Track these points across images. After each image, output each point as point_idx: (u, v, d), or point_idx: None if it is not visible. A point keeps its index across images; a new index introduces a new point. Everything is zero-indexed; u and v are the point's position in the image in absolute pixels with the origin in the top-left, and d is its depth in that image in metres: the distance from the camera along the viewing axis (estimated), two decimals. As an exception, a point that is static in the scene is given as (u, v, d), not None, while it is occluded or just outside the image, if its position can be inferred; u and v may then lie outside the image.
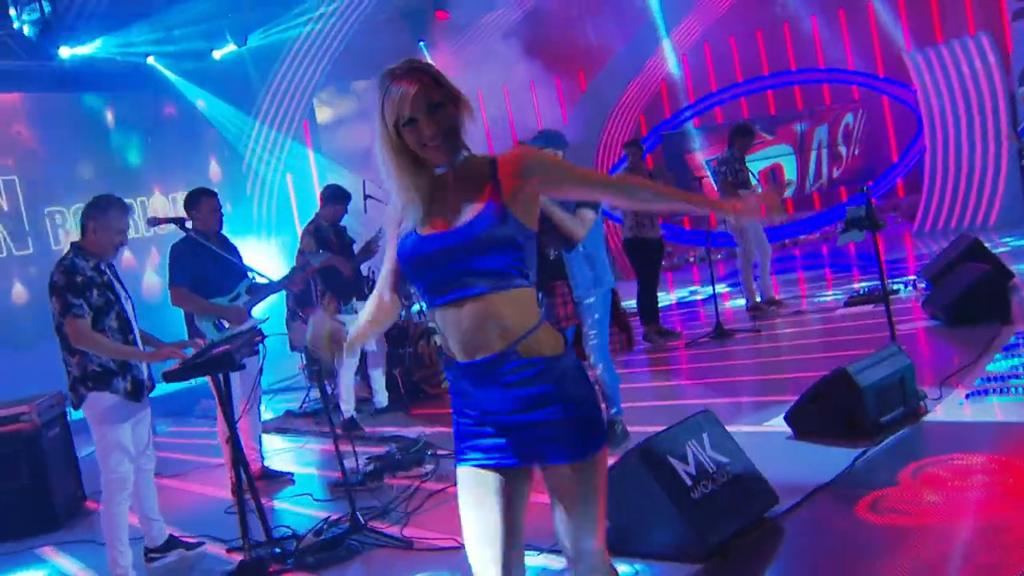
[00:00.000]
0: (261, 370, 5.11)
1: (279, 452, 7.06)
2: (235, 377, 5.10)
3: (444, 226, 2.28)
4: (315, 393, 8.43)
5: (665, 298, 8.97)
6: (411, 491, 5.32)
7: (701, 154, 15.21)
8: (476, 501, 2.37)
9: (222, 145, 12.80)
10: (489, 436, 2.35)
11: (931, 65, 12.95)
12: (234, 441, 4.62)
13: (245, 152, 12.94)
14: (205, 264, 5.78)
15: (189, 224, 5.66)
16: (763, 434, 5.25)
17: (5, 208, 10.10)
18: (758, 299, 9.29)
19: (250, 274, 5.89)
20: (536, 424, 2.28)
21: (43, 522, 5.91)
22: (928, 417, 5.00)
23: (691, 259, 15.89)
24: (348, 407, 7.24)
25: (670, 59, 15.58)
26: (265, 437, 7.24)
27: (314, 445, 7.19)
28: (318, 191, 14.08)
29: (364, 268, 7.81)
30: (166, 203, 11.98)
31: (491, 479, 2.36)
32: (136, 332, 4.65)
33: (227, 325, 5.80)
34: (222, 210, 6.06)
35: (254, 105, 12.91)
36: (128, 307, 4.66)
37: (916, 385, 5.12)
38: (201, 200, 5.99)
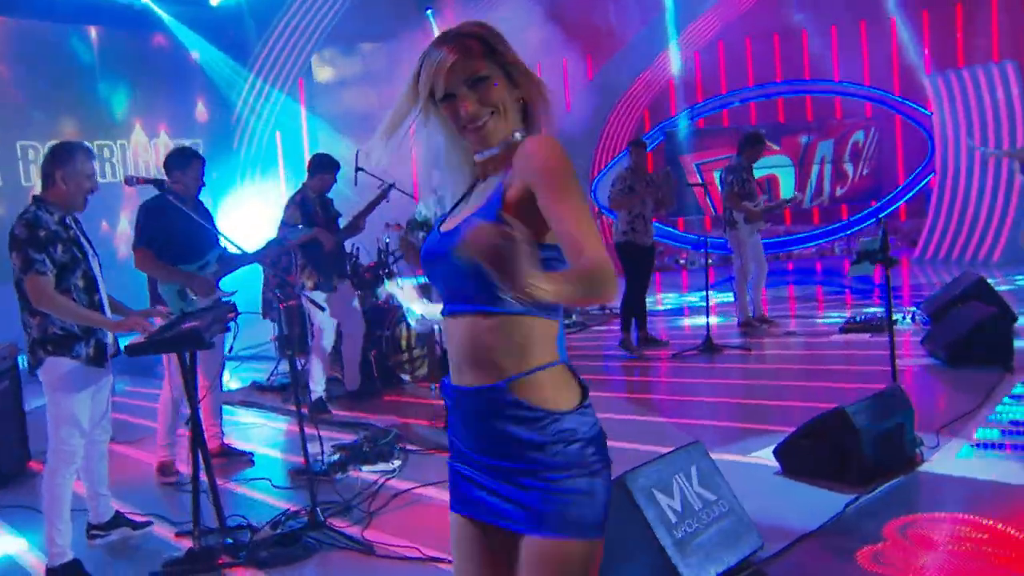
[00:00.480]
0: (231, 349, 4.81)
1: (241, 427, 6.76)
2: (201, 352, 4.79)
3: (456, 219, 1.97)
4: (284, 366, 8.15)
5: (650, 302, 8.69)
6: (376, 488, 5.05)
7: (690, 157, 14.98)
8: (458, 553, 2.05)
9: (211, 91, 12.43)
10: (468, 481, 1.99)
11: (951, 89, 12.70)
12: (194, 422, 4.32)
13: (237, 102, 12.57)
14: (175, 228, 5.42)
15: (167, 186, 5.29)
16: (750, 466, 5.00)
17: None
18: (750, 315, 9.04)
19: (223, 243, 5.55)
20: (513, 477, 1.88)
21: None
22: (924, 467, 4.77)
23: (681, 262, 15.64)
24: (318, 387, 6.95)
25: (674, 61, 15.25)
26: (228, 410, 6.97)
27: (279, 423, 6.90)
28: (307, 152, 14.01)
29: (348, 245, 7.50)
30: (146, 143, 11.63)
31: (471, 531, 2.01)
32: (103, 293, 4.33)
33: (191, 295, 5.49)
34: (205, 177, 5.71)
35: (250, 56, 12.56)
36: (95, 265, 4.34)
37: (914, 431, 4.89)
38: (189, 163, 5.61)
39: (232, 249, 5.43)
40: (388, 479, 5.21)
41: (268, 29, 12.65)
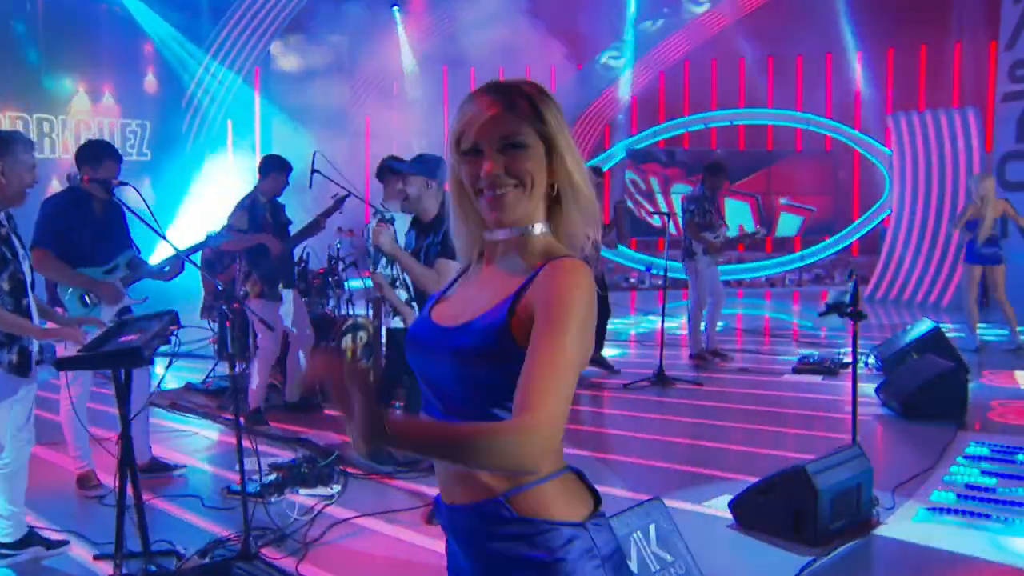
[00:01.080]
0: (171, 363, 4.50)
1: (172, 436, 6.41)
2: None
3: (452, 314, 1.70)
4: (222, 368, 7.81)
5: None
6: (314, 515, 4.80)
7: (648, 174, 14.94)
8: None
9: (163, 68, 12.03)
10: None
11: (912, 130, 12.76)
12: (125, 439, 4.02)
13: (190, 83, 12.17)
14: (81, 226, 5.02)
15: (116, 183, 4.89)
16: (703, 517, 4.85)
17: None
18: (703, 348, 8.93)
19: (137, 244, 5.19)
20: None
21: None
22: (880, 530, 4.68)
23: (631, 280, 15.54)
24: (258, 395, 6.65)
25: (624, 90, 15.16)
26: (158, 412, 6.64)
27: (212, 432, 6.57)
28: (259, 142, 13.66)
29: (298, 250, 7.21)
30: (88, 106, 11.21)
31: None
32: (31, 298, 4.03)
33: (89, 301, 5.10)
34: (120, 174, 5.22)
35: (205, 39, 12.17)
36: (26, 267, 4.02)
37: (872, 492, 4.78)
38: (102, 161, 5.10)
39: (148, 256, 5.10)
40: (326, 505, 4.97)
41: (227, 11, 12.28)
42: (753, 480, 4.91)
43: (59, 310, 5.03)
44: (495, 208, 1.63)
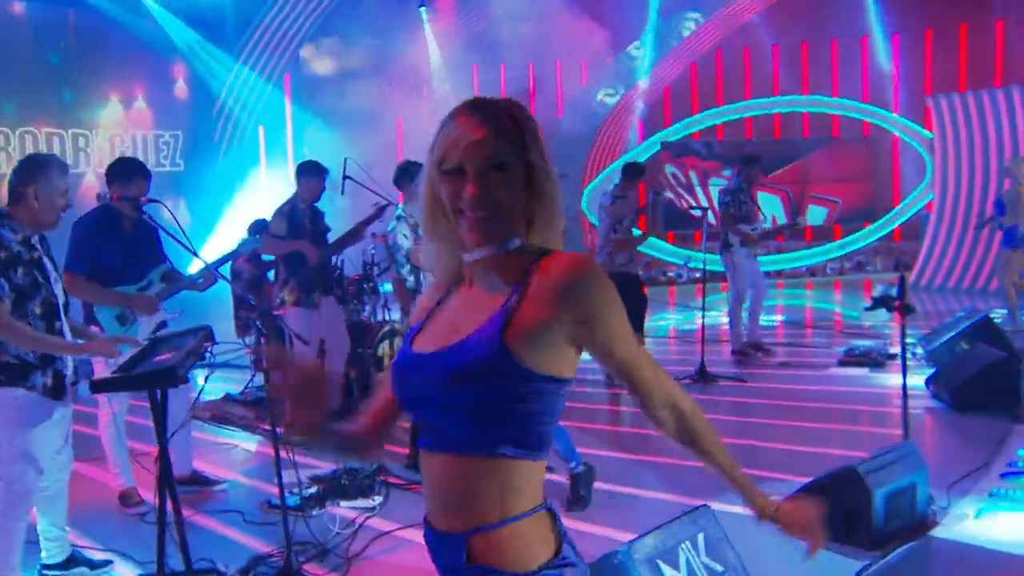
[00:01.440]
0: (206, 379, 4.47)
1: (212, 448, 6.37)
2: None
3: (437, 340, 1.69)
4: (260, 379, 7.79)
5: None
6: (355, 529, 4.74)
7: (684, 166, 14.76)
8: None
9: (192, 75, 12.08)
10: None
11: (954, 112, 12.44)
12: (163, 460, 3.98)
13: (220, 91, 12.20)
14: (112, 246, 4.99)
15: (144, 200, 4.87)
16: (752, 520, 4.70)
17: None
18: (744, 342, 8.77)
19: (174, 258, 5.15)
20: None
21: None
22: (936, 531, 4.52)
23: (670, 275, 15.36)
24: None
25: (643, 80, 14.96)
26: (198, 426, 6.61)
27: (252, 444, 6.54)
28: (291, 148, 13.68)
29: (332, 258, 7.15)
30: (121, 118, 11.27)
31: None
32: (64, 321, 4.00)
33: (132, 318, 5.08)
34: (149, 192, 5.18)
35: (235, 46, 12.20)
36: (58, 290, 4.00)
37: (928, 491, 4.63)
38: (132, 179, 5.06)
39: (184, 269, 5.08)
40: (368, 518, 4.91)
41: (255, 20, 12.29)
42: (802, 480, 4.78)
43: (96, 330, 5.04)
44: (475, 230, 1.63)
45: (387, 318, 8.26)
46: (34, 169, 3.92)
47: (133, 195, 4.96)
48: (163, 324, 5.26)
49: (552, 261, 1.63)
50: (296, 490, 5.02)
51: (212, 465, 5.93)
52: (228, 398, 7.68)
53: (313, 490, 5.18)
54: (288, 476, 5.62)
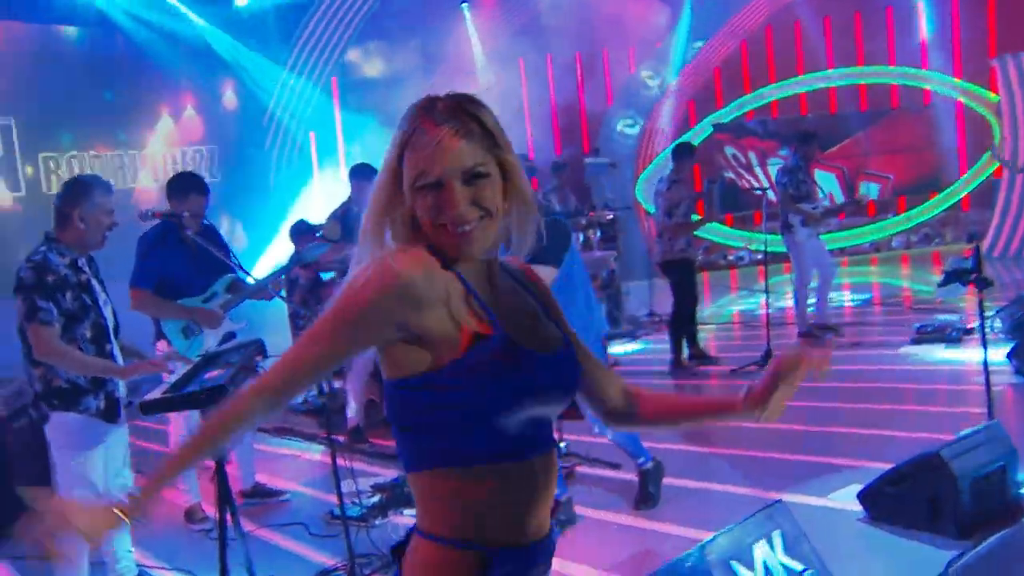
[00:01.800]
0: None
1: (274, 459, 6.33)
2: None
3: (539, 341, 1.67)
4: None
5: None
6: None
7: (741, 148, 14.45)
8: None
9: (240, 87, 12.16)
10: None
11: (1021, 72, 11.91)
12: (220, 478, 3.92)
13: (269, 102, 12.24)
14: (177, 261, 4.99)
15: (185, 216, 4.86)
16: (830, 512, 4.52)
17: None
18: (811, 324, 8.50)
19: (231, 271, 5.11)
20: None
21: (4, 525, 5.26)
22: (1031, 516, 4.26)
23: (730, 258, 15.04)
24: (355, 412, 6.54)
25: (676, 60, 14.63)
26: (260, 437, 6.59)
27: (314, 455, 6.48)
28: (342, 152, 13.68)
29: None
30: (172, 128, 11.39)
31: None
32: (114, 344, 3.96)
33: (197, 331, 5.07)
34: (207, 207, 5.20)
35: (280, 55, 12.25)
36: (108, 313, 3.96)
37: (1018, 475, 4.37)
38: (189, 195, 5.07)
39: (246, 276, 5.04)
40: (432, 526, 4.80)
41: (298, 28, 12.33)
42: (881, 467, 4.57)
43: (163, 343, 5.07)
44: (464, 243, 1.56)
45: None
46: (78, 191, 3.89)
47: (191, 210, 5.00)
48: (231, 335, 5.27)
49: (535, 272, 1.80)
50: (358, 500, 4.94)
51: (274, 476, 5.90)
52: (289, 408, 7.65)
53: (375, 499, 5.11)
54: (349, 486, 5.59)
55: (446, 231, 1.55)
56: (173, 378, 3.95)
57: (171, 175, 5.45)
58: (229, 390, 3.63)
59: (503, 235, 1.63)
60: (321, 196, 12.76)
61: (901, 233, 15.06)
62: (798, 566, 3.44)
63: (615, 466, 5.39)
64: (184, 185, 5.15)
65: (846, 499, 4.57)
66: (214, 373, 3.83)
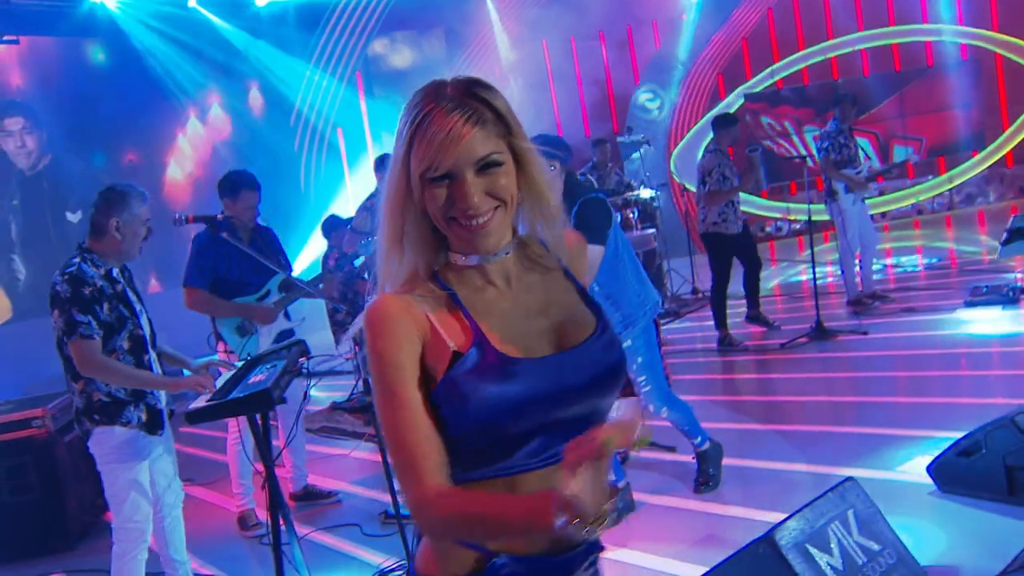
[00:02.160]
0: (306, 395, 4.33)
1: (322, 460, 6.24)
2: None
3: (549, 341, 1.54)
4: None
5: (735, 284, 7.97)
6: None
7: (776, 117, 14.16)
8: None
9: (268, 90, 12.11)
10: None
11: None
12: (271, 483, 3.84)
13: (295, 100, 12.18)
14: (230, 261, 4.96)
15: (222, 216, 4.80)
16: (900, 486, 4.35)
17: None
18: (859, 292, 8.28)
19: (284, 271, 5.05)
20: None
21: (57, 540, 5.29)
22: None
23: (768, 229, 14.77)
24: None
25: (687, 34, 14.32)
26: (308, 438, 6.51)
27: (362, 452, 6.39)
28: (371, 147, 13.61)
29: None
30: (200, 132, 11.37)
31: None
32: (152, 355, 3.89)
33: (252, 328, 5.03)
34: (260, 204, 5.20)
35: (303, 54, 12.18)
36: (145, 323, 3.89)
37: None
38: (240, 191, 5.08)
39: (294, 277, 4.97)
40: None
41: (320, 24, 12.24)
42: (946, 436, 4.42)
43: (222, 344, 5.05)
44: (479, 237, 1.47)
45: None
46: (114, 200, 3.82)
47: (242, 208, 5.02)
48: (289, 332, 5.23)
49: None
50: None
51: (324, 477, 5.83)
52: (335, 406, 7.58)
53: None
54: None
55: (459, 225, 1.46)
56: (219, 382, 3.88)
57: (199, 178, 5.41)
58: (273, 394, 3.55)
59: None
60: (353, 191, 12.71)
61: (943, 194, 14.70)
62: (875, 546, 3.29)
63: (670, 449, 5.26)
64: (235, 182, 5.14)
65: (914, 472, 4.40)
66: (258, 377, 3.75)
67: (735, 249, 7.75)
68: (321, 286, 5.29)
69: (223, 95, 11.85)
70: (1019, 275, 8.05)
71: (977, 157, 14.58)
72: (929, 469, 4.26)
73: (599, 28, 14.41)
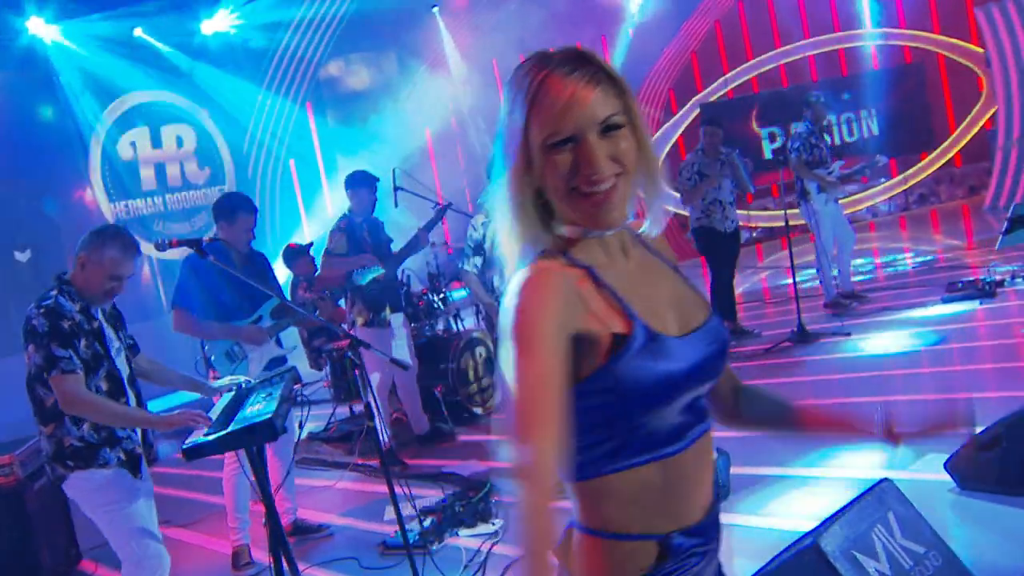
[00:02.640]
0: (301, 425, 4.11)
1: (307, 492, 5.96)
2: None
3: (682, 319, 1.51)
4: (342, 410, 7.42)
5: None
6: (484, 558, 4.35)
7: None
8: None
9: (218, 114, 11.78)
10: None
11: (1009, 20, 11.70)
12: (272, 518, 3.61)
13: (247, 127, 11.88)
14: (220, 284, 4.76)
15: (209, 239, 4.57)
16: (917, 485, 4.21)
17: None
18: (836, 293, 8.26)
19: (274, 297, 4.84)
20: None
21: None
22: None
23: (755, 234, 14.74)
24: (384, 434, 6.19)
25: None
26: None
27: (347, 483, 6.13)
28: (324, 176, 13.33)
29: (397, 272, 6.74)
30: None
31: None
32: (130, 395, 3.62)
33: (241, 353, 4.83)
34: (255, 227, 5.03)
35: (253, 82, 11.90)
36: (121, 363, 3.62)
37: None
38: (237, 215, 4.94)
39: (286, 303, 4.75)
40: (494, 544, 4.50)
41: (268, 53, 11.99)
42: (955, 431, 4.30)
43: (211, 373, 4.86)
44: (604, 209, 1.40)
45: (461, 327, 7.87)
46: (92, 239, 3.57)
47: (236, 232, 4.91)
48: (281, 359, 5.07)
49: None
50: (409, 526, 4.63)
51: (311, 510, 5.56)
52: (312, 436, 7.27)
53: (428, 523, 4.79)
54: (391, 512, 5.27)
55: (582, 196, 1.39)
56: (211, 414, 3.65)
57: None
58: (277, 425, 3.33)
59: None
60: (308, 219, 12.46)
61: (898, 196, 14.87)
62: (919, 548, 3.16)
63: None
64: (232, 206, 5.01)
65: (929, 470, 4.30)
66: (255, 407, 3.53)
67: (727, 246, 7.73)
68: (315, 315, 5.07)
69: (172, 123, 11.52)
70: (988, 270, 8.07)
71: (927, 159, 14.79)
72: (946, 466, 4.16)
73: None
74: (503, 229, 1.46)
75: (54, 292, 3.45)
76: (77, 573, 5.29)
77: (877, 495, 3.26)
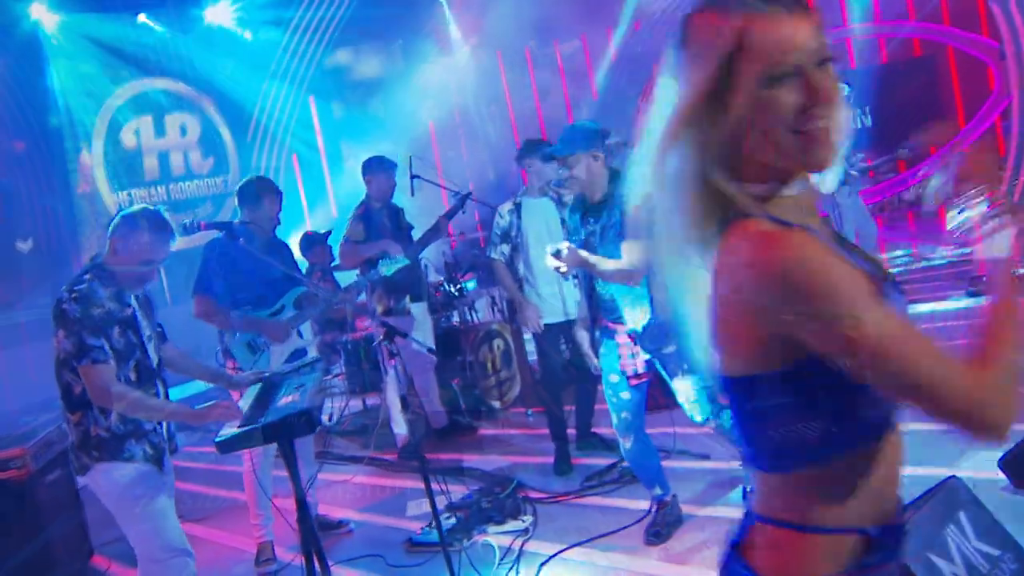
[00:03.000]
0: (330, 418, 3.93)
1: (324, 486, 5.75)
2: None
3: None
4: (355, 404, 7.24)
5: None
6: (517, 555, 4.19)
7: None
8: None
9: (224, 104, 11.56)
10: None
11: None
12: (303, 514, 3.42)
13: (249, 122, 11.69)
14: (244, 271, 4.57)
15: (238, 223, 4.40)
16: (970, 483, 4.06)
17: None
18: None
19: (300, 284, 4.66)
20: None
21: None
22: None
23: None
24: (400, 427, 6.03)
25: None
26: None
27: (364, 478, 5.95)
28: (327, 171, 13.11)
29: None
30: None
31: None
32: (159, 387, 3.45)
33: (263, 346, 4.65)
34: (281, 211, 4.86)
35: (256, 71, 11.70)
36: (152, 352, 3.44)
37: None
38: (260, 200, 4.77)
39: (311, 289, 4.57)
40: (525, 542, 4.34)
41: (273, 42, 11.79)
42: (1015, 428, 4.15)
43: (231, 363, 4.67)
44: (823, 143, 1.28)
45: (477, 318, 7.69)
46: (122, 221, 3.41)
47: (263, 216, 4.76)
48: (302, 351, 4.87)
49: None
50: (433, 524, 4.46)
51: (329, 505, 5.39)
52: (324, 430, 7.07)
53: (453, 520, 4.62)
54: (413, 508, 5.12)
55: (808, 137, 1.26)
56: (241, 405, 3.47)
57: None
58: (314, 416, 3.17)
59: None
60: (318, 211, 12.28)
61: (904, 191, 14.73)
62: (995, 551, 3.01)
63: (704, 457, 4.96)
64: (257, 189, 4.86)
65: (981, 467, 4.14)
66: (288, 398, 3.36)
67: None
68: (338, 304, 4.90)
69: (177, 111, 11.32)
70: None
71: (935, 155, 14.64)
72: (1000, 464, 4.01)
73: (554, 37, 14.21)
74: (683, 187, 1.31)
75: (87, 276, 3.27)
76: (89, 568, 5.11)
77: (946, 493, 3.11)
